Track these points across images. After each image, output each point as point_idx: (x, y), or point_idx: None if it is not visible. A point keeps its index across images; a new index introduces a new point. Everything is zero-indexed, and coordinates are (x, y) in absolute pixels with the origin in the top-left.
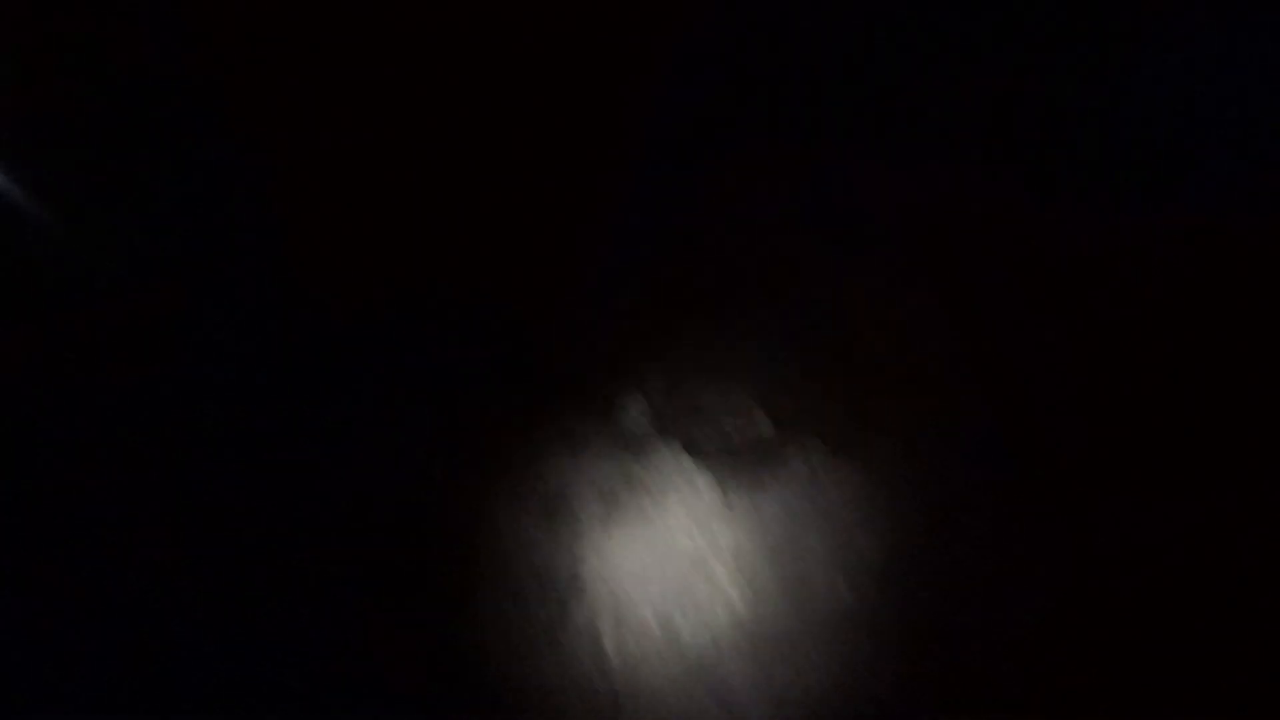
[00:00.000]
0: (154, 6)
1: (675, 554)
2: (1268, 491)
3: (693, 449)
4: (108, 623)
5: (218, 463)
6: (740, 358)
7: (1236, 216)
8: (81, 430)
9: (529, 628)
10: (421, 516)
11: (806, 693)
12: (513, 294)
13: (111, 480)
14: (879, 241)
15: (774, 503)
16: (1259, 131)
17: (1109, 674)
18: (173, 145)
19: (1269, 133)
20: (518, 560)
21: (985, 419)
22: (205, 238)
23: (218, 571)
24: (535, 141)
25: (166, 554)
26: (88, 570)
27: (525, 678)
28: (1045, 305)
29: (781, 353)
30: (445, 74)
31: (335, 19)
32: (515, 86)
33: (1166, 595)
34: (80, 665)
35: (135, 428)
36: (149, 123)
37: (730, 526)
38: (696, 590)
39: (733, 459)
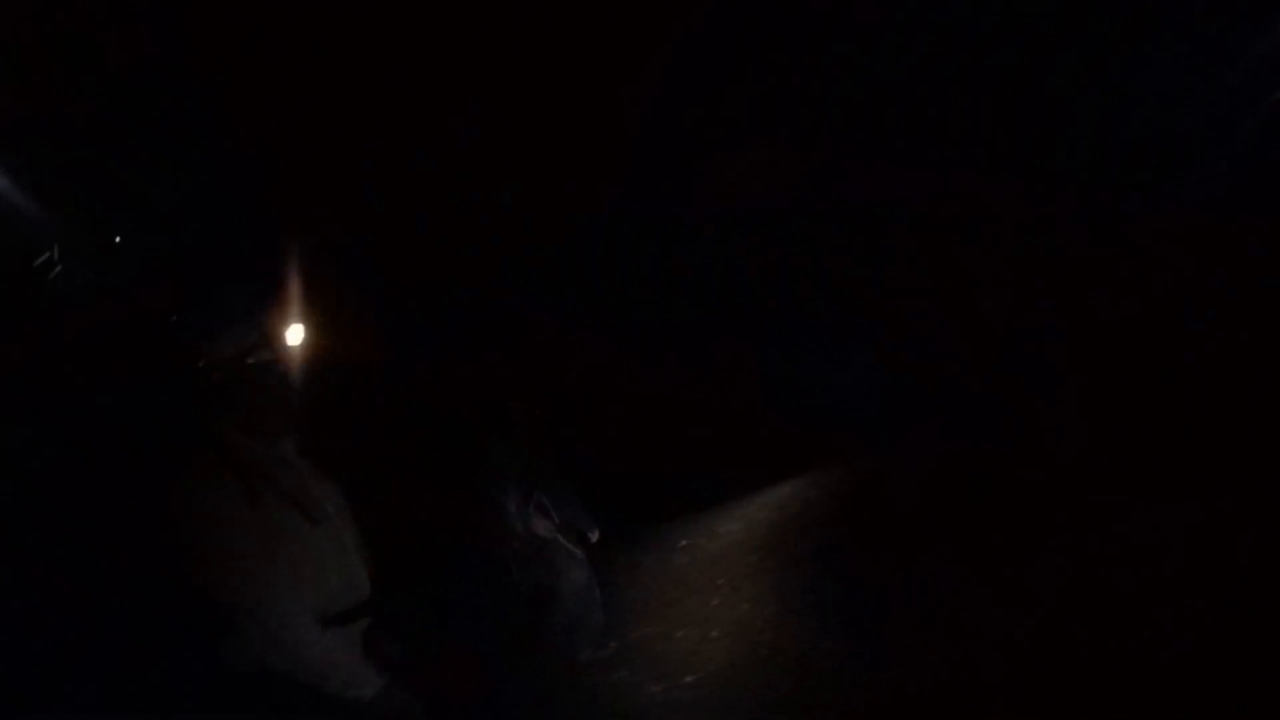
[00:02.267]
0: (154, 6)
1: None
2: (1267, 491)
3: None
4: (107, 622)
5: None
6: (740, 355)
7: (1236, 216)
8: (81, 429)
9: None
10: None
11: (808, 689)
12: (512, 293)
13: (112, 479)
14: (879, 240)
15: (774, 496)
16: (1259, 131)
17: (1109, 674)
18: (172, 145)
19: (1269, 133)
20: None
21: (985, 418)
22: (205, 238)
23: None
24: (535, 141)
25: (167, 553)
26: (88, 570)
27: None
28: (1045, 304)
29: (782, 350)
30: (446, 75)
31: (336, 20)
32: (515, 86)
33: (1166, 595)
34: (80, 665)
35: (135, 427)
36: (149, 123)
37: (741, 522)
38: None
39: (735, 451)
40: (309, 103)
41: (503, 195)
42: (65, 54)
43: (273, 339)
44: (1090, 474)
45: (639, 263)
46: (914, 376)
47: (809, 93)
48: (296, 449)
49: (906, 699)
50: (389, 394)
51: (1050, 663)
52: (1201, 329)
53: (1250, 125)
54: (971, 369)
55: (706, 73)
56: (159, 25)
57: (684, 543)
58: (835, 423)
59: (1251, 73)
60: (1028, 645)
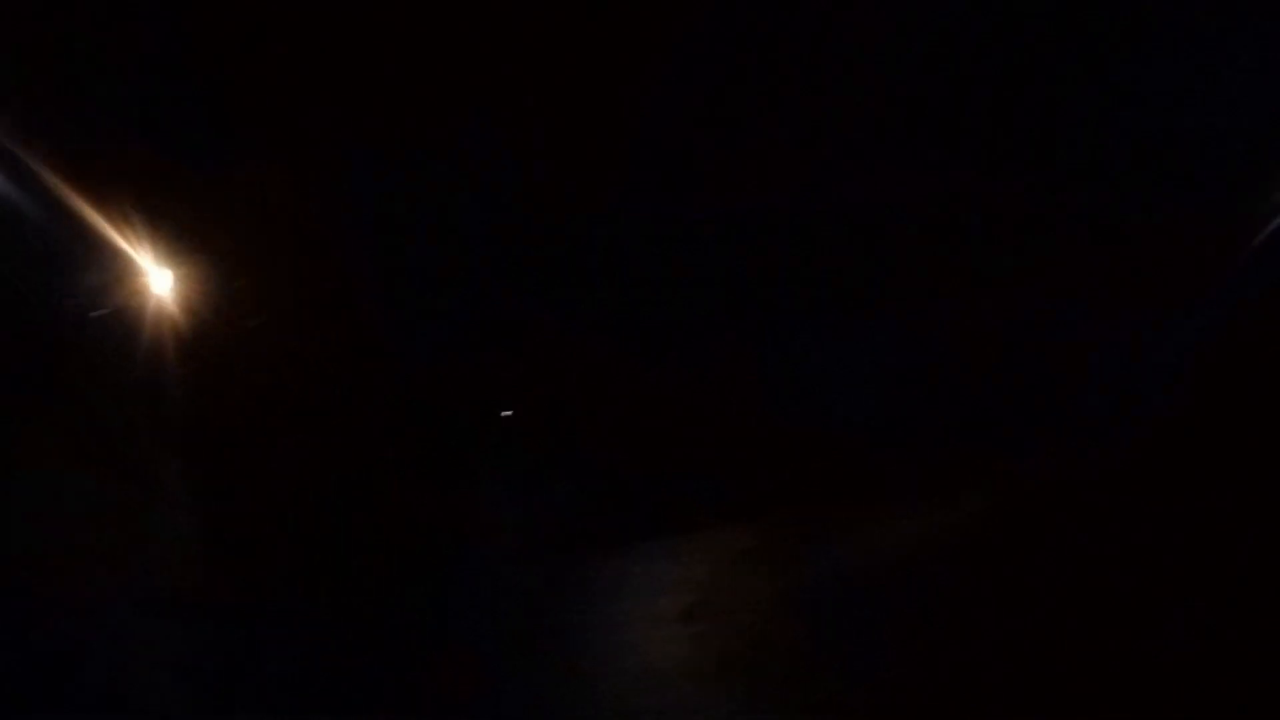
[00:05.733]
0: (154, 6)
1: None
2: (1267, 491)
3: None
4: (108, 622)
5: (219, 463)
6: (740, 355)
7: (1236, 216)
8: (82, 429)
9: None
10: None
11: (809, 688)
12: (513, 292)
13: (112, 479)
14: (879, 240)
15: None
16: (1259, 131)
17: (1109, 674)
18: (172, 144)
19: (1269, 133)
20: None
21: (986, 418)
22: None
23: (226, 572)
24: (535, 141)
25: (166, 553)
26: (89, 569)
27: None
28: (1045, 304)
29: (782, 350)
30: (445, 74)
31: (336, 21)
32: (515, 86)
33: (1166, 595)
34: (86, 666)
35: (135, 427)
36: (149, 122)
37: (745, 523)
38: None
39: (737, 455)
40: (307, 102)
41: (503, 195)
42: (65, 54)
43: (128, 285)
44: (1090, 474)
45: (639, 263)
46: (914, 377)
47: (809, 93)
48: (166, 415)
49: (906, 699)
50: (387, 392)
51: (1050, 663)
52: (1201, 329)
53: (1250, 125)
54: (972, 369)
55: (706, 73)
56: (159, 25)
57: (705, 554)
58: (836, 423)
59: (1251, 73)
60: (1028, 645)
